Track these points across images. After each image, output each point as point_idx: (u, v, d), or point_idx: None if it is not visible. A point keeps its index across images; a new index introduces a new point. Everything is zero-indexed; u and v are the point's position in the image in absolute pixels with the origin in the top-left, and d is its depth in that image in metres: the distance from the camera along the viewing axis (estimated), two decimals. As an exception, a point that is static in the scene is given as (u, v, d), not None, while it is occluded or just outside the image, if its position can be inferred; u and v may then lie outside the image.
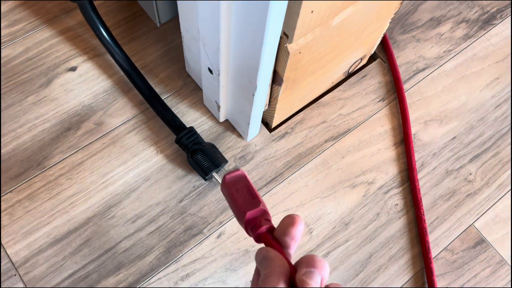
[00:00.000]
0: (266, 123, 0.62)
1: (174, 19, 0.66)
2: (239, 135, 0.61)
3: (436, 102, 0.66)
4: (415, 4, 0.72)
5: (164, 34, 0.66)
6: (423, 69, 0.68)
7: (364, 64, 0.67)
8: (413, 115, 0.65)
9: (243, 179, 0.35)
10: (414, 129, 0.64)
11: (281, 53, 0.45)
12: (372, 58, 0.68)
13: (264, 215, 0.33)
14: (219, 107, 0.58)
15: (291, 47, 0.44)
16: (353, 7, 0.46)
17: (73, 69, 0.63)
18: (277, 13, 0.36)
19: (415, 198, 0.59)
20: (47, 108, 0.60)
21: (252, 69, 0.45)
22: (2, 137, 0.58)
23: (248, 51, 0.43)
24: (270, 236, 0.32)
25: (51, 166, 0.57)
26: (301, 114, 0.63)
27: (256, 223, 0.32)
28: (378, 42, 0.63)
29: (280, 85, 0.51)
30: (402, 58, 0.68)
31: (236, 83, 0.51)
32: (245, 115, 0.55)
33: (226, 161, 0.58)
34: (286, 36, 0.43)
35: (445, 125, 0.65)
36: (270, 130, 0.62)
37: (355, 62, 0.63)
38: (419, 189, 0.59)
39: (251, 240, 0.55)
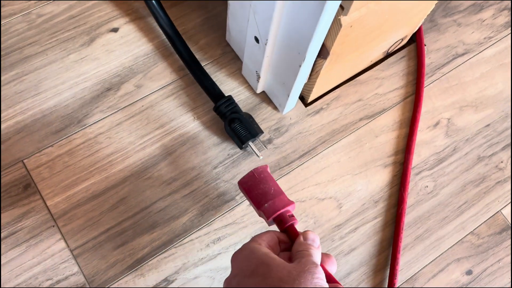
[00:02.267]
0: (302, 97, 0.62)
1: (217, -13, 0.66)
2: (275, 108, 0.62)
3: (473, 88, 0.66)
4: (459, -12, 0.71)
5: (205, 1, 0.66)
6: (462, 54, 0.67)
7: (404, 45, 0.67)
8: (449, 99, 0.65)
9: (265, 172, 0.46)
10: (449, 113, 0.64)
11: (333, 25, 0.45)
12: (411, 40, 0.67)
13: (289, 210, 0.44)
14: (259, 77, 0.58)
15: (344, 19, 0.44)
16: (408, -16, 0.46)
17: (115, 30, 0.63)
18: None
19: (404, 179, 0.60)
20: (88, 67, 0.61)
21: (303, 40, 0.45)
22: (45, 92, 0.59)
23: (302, 21, 0.43)
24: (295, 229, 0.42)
25: (91, 124, 0.58)
26: (337, 90, 0.63)
27: (284, 217, 0.42)
28: (421, 23, 0.62)
29: (325, 58, 0.51)
30: (442, 41, 0.68)
31: (282, 53, 0.51)
32: (286, 86, 0.55)
33: (262, 132, 0.58)
34: (341, 8, 0.43)
35: (480, 112, 0.65)
36: (306, 104, 0.62)
37: (396, 42, 0.62)
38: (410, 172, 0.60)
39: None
